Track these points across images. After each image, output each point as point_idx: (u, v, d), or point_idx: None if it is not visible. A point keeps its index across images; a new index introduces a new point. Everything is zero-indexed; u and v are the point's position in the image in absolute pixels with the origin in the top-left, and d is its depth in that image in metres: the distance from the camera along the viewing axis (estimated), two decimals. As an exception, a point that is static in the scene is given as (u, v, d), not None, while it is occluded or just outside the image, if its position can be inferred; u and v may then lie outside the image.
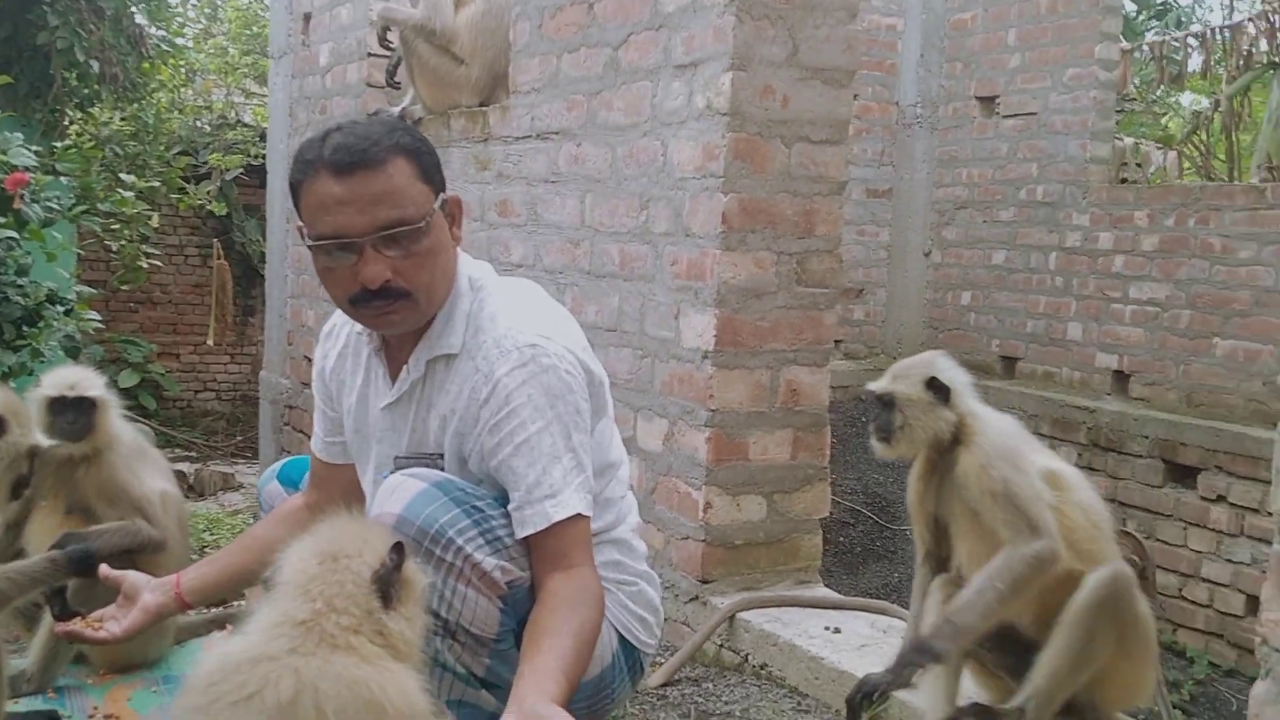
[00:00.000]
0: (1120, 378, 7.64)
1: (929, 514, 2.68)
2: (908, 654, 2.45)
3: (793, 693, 3.26)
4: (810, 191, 3.64)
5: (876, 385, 2.66)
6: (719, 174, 3.54)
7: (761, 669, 3.38)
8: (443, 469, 2.37)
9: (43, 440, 2.70)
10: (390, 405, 2.47)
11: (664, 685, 3.28)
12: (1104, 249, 7.74)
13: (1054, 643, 2.48)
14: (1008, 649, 2.59)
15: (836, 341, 8.77)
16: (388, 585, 1.71)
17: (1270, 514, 1.64)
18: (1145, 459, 7.06)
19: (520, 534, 2.25)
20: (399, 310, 2.31)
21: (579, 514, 2.26)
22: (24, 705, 2.90)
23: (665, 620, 3.69)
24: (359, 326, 2.50)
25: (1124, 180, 8.82)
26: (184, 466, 8.24)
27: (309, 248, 2.32)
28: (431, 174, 2.32)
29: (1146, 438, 7.05)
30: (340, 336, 2.63)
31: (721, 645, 3.51)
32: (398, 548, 1.72)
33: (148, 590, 2.56)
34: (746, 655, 3.42)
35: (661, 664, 3.37)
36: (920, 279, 9.03)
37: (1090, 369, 7.81)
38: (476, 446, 2.33)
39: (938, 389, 2.60)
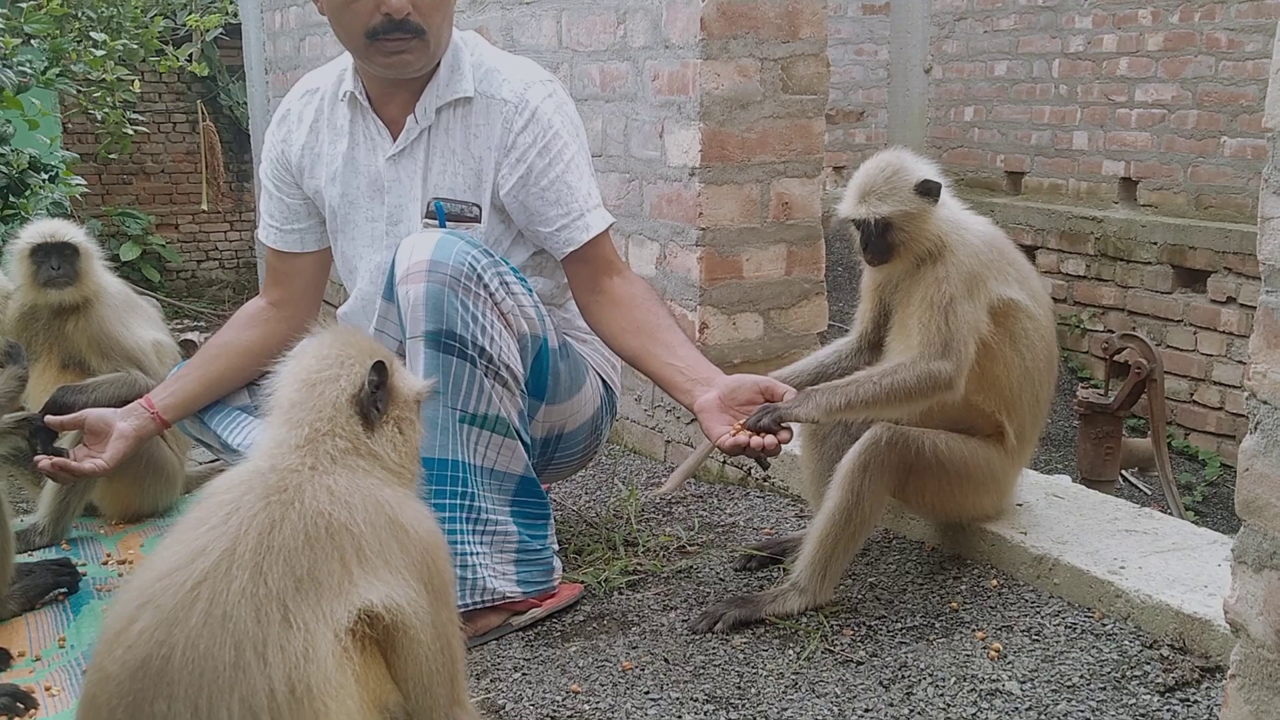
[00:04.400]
0: (1128, 185, 7.51)
1: (880, 301, 2.65)
2: (759, 411, 2.35)
3: (795, 501, 3.28)
4: (791, -9, 3.50)
5: (862, 211, 2.47)
6: (694, -22, 3.39)
7: (764, 481, 3.40)
8: (477, 216, 2.59)
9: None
10: (395, 157, 2.63)
11: (669, 501, 3.31)
12: (1108, 52, 7.51)
13: (821, 509, 2.52)
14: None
15: (839, 168, 8.64)
16: (368, 407, 1.67)
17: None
18: (1154, 265, 6.98)
19: (583, 239, 2.57)
20: (412, 50, 2.52)
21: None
22: (38, 557, 2.95)
23: (668, 442, 3.72)
24: (335, 92, 2.68)
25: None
26: (194, 335, 8.26)
27: None
28: None
29: (1155, 244, 6.96)
30: (305, 115, 2.73)
31: (725, 462, 3.52)
32: (378, 367, 1.69)
33: (119, 419, 2.57)
34: (749, 469, 3.43)
35: (664, 481, 3.39)
36: (922, 97, 8.82)
37: (1097, 178, 7.66)
38: (519, 172, 2.56)
39: (928, 190, 2.50)
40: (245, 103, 8.37)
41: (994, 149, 8.36)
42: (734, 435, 2.29)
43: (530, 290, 2.52)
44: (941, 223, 2.51)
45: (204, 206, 8.94)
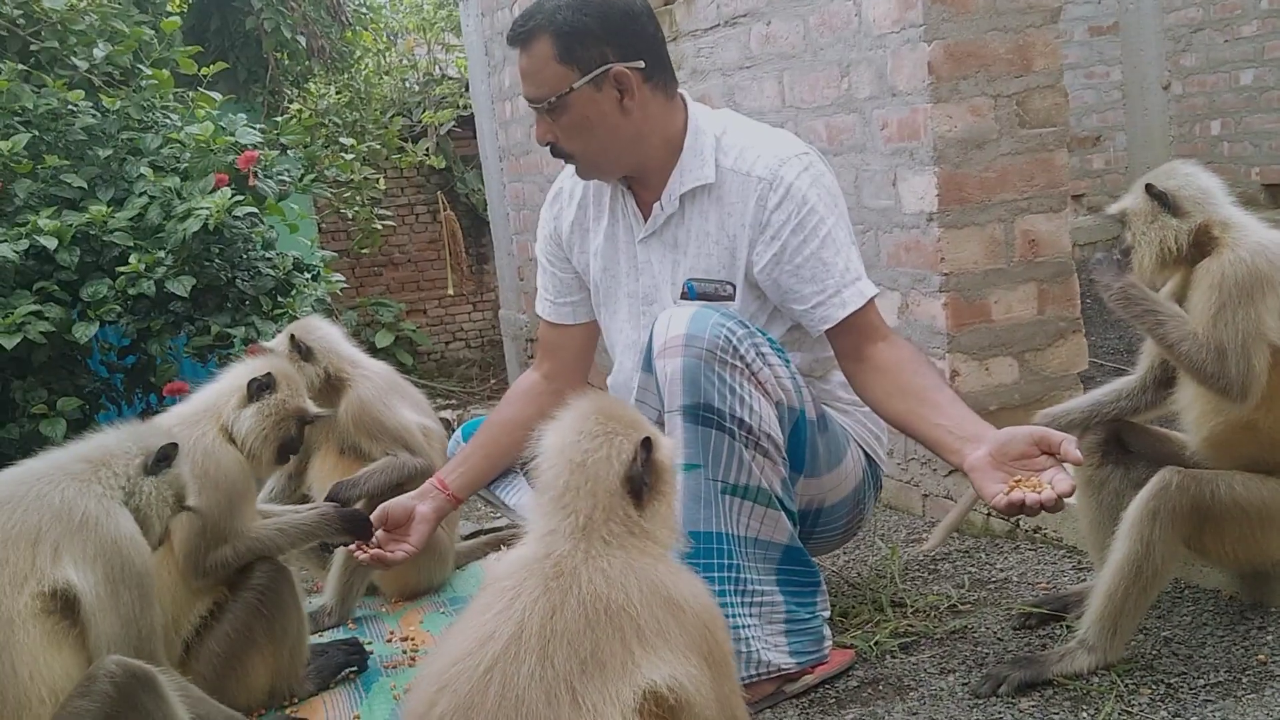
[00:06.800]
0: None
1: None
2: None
3: (1071, 552, 3.12)
4: (1021, 25, 3.40)
5: (1111, 206, 2.55)
6: (919, 22, 3.35)
7: (1035, 532, 3.25)
8: (730, 294, 2.60)
9: (310, 406, 2.83)
10: (645, 240, 2.70)
11: (933, 558, 3.21)
12: (1370, 46, 6.95)
13: (1109, 560, 2.36)
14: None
15: (1077, 196, 8.27)
16: (639, 485, 1.67)
17: None
18: None
19: (839, 316, 2.52)
20: (577, 168, 2.66)
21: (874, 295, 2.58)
22: (328, 637, 3.11)
23: (925, 496, 3.61)
24: None
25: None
26: (447, 414, 8.63)
27: None
28: (576, 52, 2.49)
29: None
30: (575, 192, 2.83)
31: (989, 514, 3.39)
32: (646, 443, 1.70)
33: (418, 503, 2.70)
34: (1017, 521, 3.29)
35: (928, 537, 3.28)
36: (1162, 115, 8.34)
37: (1369, 181, 7.07)
38: (773, 250, 2.55)
39: (1157, 196, 2.40)
40: (479, 190, 8.77)
41: (1247, 162, 7.85)
42: (1008, 494, 2.17)
43: (787, 361, 2.50)
44: (1203, 222, 2.42)
45: (450, 291, 9.37)
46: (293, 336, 3.35)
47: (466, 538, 3.90)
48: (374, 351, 7.73)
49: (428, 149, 8.65)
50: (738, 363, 2.37)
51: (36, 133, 4.65)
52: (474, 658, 1.50)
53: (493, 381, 9.57)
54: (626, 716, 1.48)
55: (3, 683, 1.91)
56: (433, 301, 9.68)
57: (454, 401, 9.37)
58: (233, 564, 2.63)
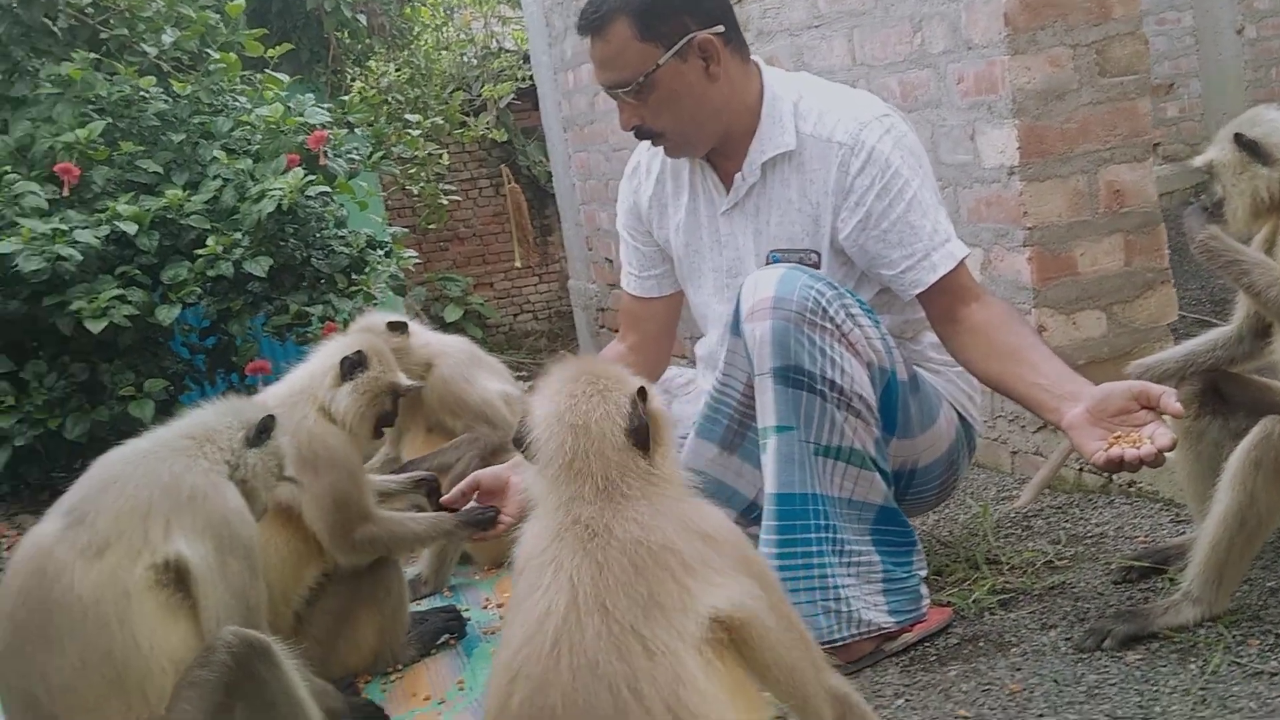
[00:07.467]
0: None
1: None
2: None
3: (1168, 505, 3.07)
4: (1100, -29, 3.33)
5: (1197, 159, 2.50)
6: (996, -27, 3.28)
7: (1130, 486, 3.21)
8: (815, 263, 2.57)
9: (403, 379, 2.85)
10: (728, 211, 2.67)
11: (1026, 515, 3.18)
12: None
13: (1211, 512, 2.31)
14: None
15: (1153, 145, 8.12)
16: (643, 434, 1.66)
17: None
18: None
19: (930, 280, 2.48)
20: (665, 146, 2.63)
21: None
22: (425, 605, 3.16)
23: (1014, 453, 3.58)
24: None
25: None
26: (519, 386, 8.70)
27: None
28: (656, 28, 2.45)
29: None
30: (652, 167, 2.81)
31: (1081, 469, 3.35)
32: (641, 393, 1.68)
33: (511, 473, 2.72)
34: (1111, 475, 3.25)
35: (1019, 495, 3.26)
36: (1237, 60, 8.15)
37: None
38: (858, 216, 2.52)
39: (1247, 145, 2.35)
40: (541, 161, 8.78)
41: (1326, 103, 7.64)
42: (1107, 451, 2.14)
43: (877, 322, 2.48)
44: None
45: (517, 264, 9.41)
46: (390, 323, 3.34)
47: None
48: (444, 326, 7.81)
49: (488, 123, 8.67)
50: (827, 324, 2.36)
51: (111, 120, 4.73)
52: (537, 638, 1.49)
53: (561, 353, 9.62)
54: (699, 649, 1.48)
55: (126, 654, 1.96)
56: (499, 275, 9.73)
57: (524, 374, 9.42)
58: (384, 544, 2.68)
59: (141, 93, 4.84)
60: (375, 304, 5.01)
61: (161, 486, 2.10)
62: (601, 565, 1.52)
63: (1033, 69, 3.34)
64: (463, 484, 2.74)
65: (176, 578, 2.05)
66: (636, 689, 1.43)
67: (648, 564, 1.52)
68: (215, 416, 2.31)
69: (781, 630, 1.59)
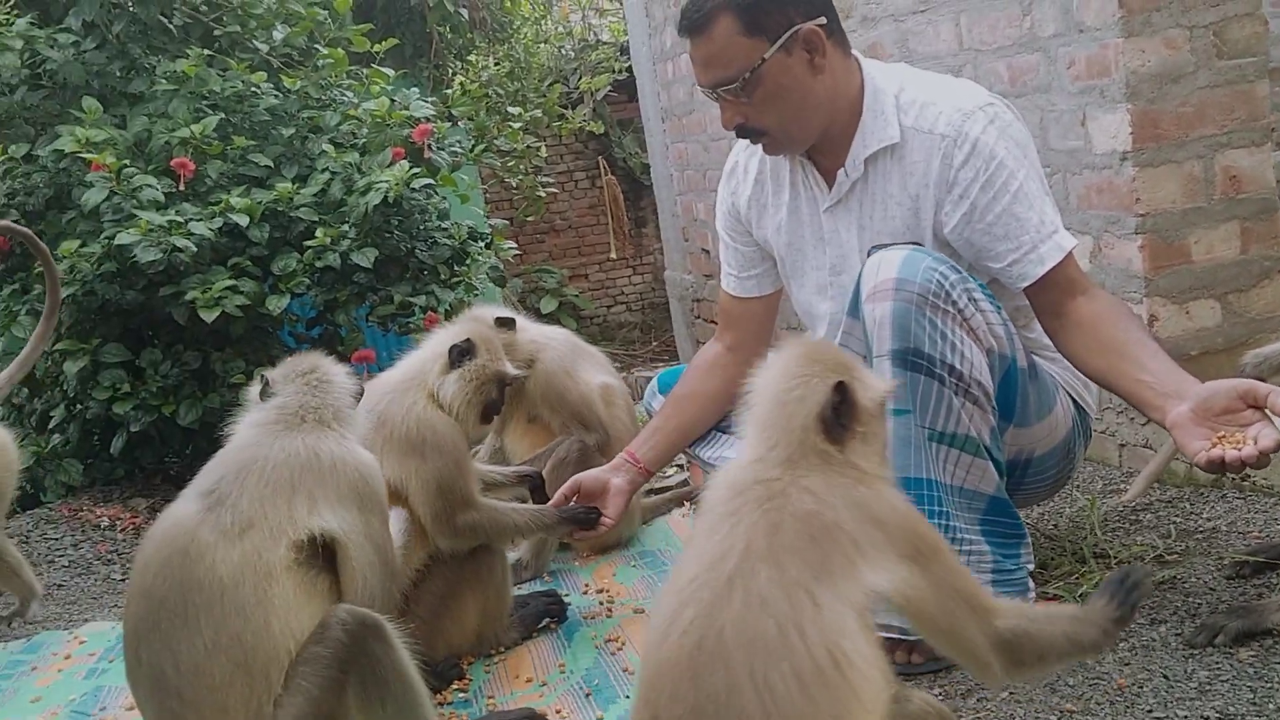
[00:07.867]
0: None
1: None
2: None
3: (1283, 499, 2.99)
4: (1218, -51, 3.24)
5: None
6: (1109, -46, 3.21)
7: (1243, 481, 3.12)
8: None
9: (509, 368, 2.90)
10: (831, 209, 2.64)
11: (1134, 509, 3.11)
12: None
13: None
14: None
15: (1271, 129, 7.85)
16: (833, 426, 1.72)
17: None
18: None
19: (1037, 273, 2.44)
20: (767, 144, 2.60)
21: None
22: (525, 589, 3.21)
23: (1122, 446, 3.50)
24: None
25: None
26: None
27: None
28: (761, 22, 2.43)
29: None
30: (750, 167, 2.79)
31: (1191, 464, 3.26)
32: (839, 388, 1.72)
33: (612, 476, 2.75)
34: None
35: (1127, 488, 3.19)
36: (1358, 41, 7.86)
37: None
38: (962, 209, 2.48)
39: None
40: (636, 153, 8.82)
41: None
42: (1209, 451, 2.08)
43: (999, 307, 2.43)
44: None
45: (613, 255, 9.47)
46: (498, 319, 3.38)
47: (648, 494, 3.96)
48: (539, 318, 7.90)
49: (585, 115, 8.73)
50: (949, 308, 2.32)
51: (224, 115, 4.87)
52: (712, 573, 1.58)
53: (654, 344, 9.66)
54: (860, 614, 1.56)
55: (256, 638, 1.99)
56: (593, 266, 9.81)
57: (618, 364, 9.49)
58: (486, 531, 2.73)
59: (253, 88, 4.98)
60: (476, 295, 5.09)
61: (301, 463, 2.14)
62: (777, 527, 1.61)
63: (1147, 51, 3.26)
64: (565, 486, 2.79)
65: (318, 553, 2.09)
66: (801, 628, 1.51)
67: (821, 535, 1.61)
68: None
69: (940, 602, 1.66)
